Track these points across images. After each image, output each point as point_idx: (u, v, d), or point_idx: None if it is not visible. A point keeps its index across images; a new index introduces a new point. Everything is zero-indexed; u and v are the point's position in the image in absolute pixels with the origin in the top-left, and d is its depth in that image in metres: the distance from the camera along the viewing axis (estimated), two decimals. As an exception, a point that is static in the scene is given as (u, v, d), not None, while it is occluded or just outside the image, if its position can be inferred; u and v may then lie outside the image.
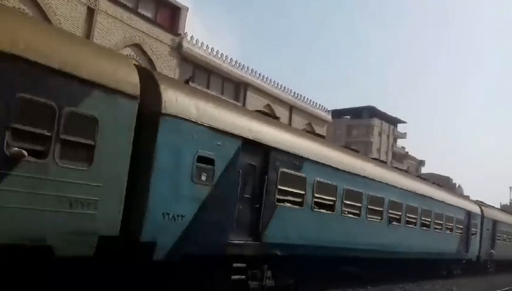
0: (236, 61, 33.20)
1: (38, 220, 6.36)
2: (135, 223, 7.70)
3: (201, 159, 8.81)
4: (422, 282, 18.90)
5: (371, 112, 76.04)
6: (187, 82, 10.07)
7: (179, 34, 28.63)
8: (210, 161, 9.00)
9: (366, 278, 15.65)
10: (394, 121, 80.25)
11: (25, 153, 6.11)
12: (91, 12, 23.16)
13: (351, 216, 13.71)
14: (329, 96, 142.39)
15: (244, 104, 32.38)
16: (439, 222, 20.36)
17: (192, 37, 29.42)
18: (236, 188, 9.73)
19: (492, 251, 27.52)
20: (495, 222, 28.05)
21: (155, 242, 8.05)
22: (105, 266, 7.63)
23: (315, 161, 12.10)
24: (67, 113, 6.59)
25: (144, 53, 26.42)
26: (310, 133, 14.48)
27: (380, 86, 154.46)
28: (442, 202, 20.83)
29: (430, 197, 19.55)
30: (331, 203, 12.75)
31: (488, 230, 26.74)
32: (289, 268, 11.73)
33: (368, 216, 14.58)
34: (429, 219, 19.35)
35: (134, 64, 8.10)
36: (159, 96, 8.07)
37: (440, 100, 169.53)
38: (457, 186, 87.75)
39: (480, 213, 25.76)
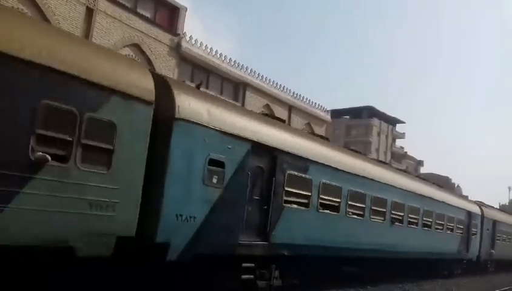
0: (235, 61, 33.40)
1: (61, 222, 6.61)
2: (150, 224, 7.95)
3: (212, 162, 9.06)
4: (421, 282, 19.10)
5: (370, 112, 76.34)
6: (198, 86, 10.31)
7: (178, 34, 28.75)
8: (220, 164, 9.25)
9: (366, 278, 15.86)
10: (392, 121, 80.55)
11: (49, 157, 6.36)
12: (90, 12, 23.30)
13: (355, 216, 13.99)
14: (328, 96, 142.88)
15: (243, 104, 32.46)
16: (440, 222, 20.66)
17: (190, 37, 29.54)
18: (246, 190, 9.98)
19: (492, 251, 27.81)
20: (495, 222, 28.34)
21: (169, 243, 8.30)
22: (122, 266, 7.88)
23: (321, 163, 12.37)
24: (87, 119, 6.85)
25: (143, 53, 26.57)
26: (315, 135, 14.67)
27: (379, 86, 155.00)
28: (443, 202, 21.12)
29: (431, 198, 19.85)
30: (336, 204, 13.03)
31: (487, 230, 27.03)
32: (296, 268, 11.99)
33: (372, 216, 14.87)
34: (431, 220, 19.64)
35: (149, 70, 8.34)
36: (173, 101, 8.33)
37: (439, 100, 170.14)
38: (455, 186, 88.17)
39: (480, 213, 26.05)
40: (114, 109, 7.22)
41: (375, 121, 75.66)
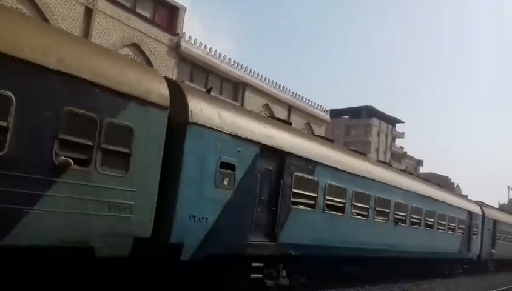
0: (234, 61, 33.48)
1: (82, 223, 6.88)
2: (165, 225, 8.20)
3: (224, 165, 9.32)
4: (421, 281, 19.30)
5: (370, 112, 76.43)
6: (209, 91, 10.57)
7: (177, 34, 28.81)
8: (231, 167, 9.52)
9: (366, 277, 16.09)
10: (392, 121, 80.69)
11: (71, 161, 6.62)
12: (89, 12, 23.32)
13: (360, 217, 14.26)
14: (328, 95, 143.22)
15: (242, 104, 32.54)
16: (442, 222, 20.94)
17: (190, 37, 29.62)
18: (255, 191, 10.25)
19: (493, 250, 28.07)
20: (495, 222, 28.60)
21: (182, 243, 8.56)
22: (138, 265, 8.15)
23: (326, 165, 12.63)
24: (107, 124, 7.12)
25: (142, 52, 26.62)
26: (320, 137, 14.94)
27: (378, 86, 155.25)
28: (445, 203, 21.41)
29: (433, 199, 20.13)
30: (341, 205, 13.30)
31: (488, 229, 27.29)
32: (303, 267, 12.26)
33: (376, 217, 15.14)
34: (433, 220, 19.91)
35: (164, 76, 8.61)
36: (186, 106, 8.59)
37: (438, 100, 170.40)
38: (455, 185, 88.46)
39: (481, 213, 26.32)
40: (131, 114, 7.49)
41: (375, 121, 75.80)
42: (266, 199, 10.67)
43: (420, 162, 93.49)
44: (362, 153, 17.41)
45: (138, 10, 26.88)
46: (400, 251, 16.93)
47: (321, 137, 15.21)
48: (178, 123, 8.43)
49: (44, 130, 6.39)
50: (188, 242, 8.68)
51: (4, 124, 5.93)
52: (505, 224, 30.57)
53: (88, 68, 6.90)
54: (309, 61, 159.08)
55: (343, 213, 13.38)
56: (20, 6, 20.40)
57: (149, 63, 26.33)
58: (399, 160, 79.17)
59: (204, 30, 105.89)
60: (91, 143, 6.94)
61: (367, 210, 14.62)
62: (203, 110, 8.96)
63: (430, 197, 19.76)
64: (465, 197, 29.76)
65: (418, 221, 18.56)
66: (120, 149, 7.36)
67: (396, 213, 16.49)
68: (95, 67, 7.06)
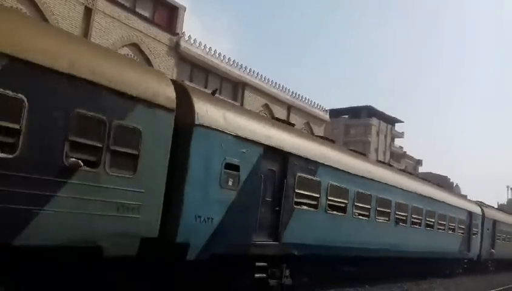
0: (234, 61, 33.57)
1: (91, 224, 7.01)
2: (171, 225, 8.33)
3: (228, 166, 9.46)
4: (421, 281, 19.40)
5: (369, 111, 76.39)
6: (213, 93, 10.70)
7: (177, 34, 28.85)
8: (236, 167, 9.65)
9: (366, 277, 16.22)
10: (391, 121, 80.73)
11: (81, 163, 6.76)
12: (88, 12, 23.33)
13: (361, 217, 14.40)
14: (327, 95, 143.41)
15: (242, 104, 32.58)
16: (442, 222, 21.09)
17: (189, 37, 29.66)
18: (259, 192, 10.38)
19: (493, 250, 28.23)
20: (495, 222, 28.76)
21: (188, 243, 8.69)
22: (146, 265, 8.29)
23: (328, 165, 12.77)
24: (116, 126, 7.25)
25: (142, 52, 26.63)
26: (322, 138, 15.08)
27: (378, 85, 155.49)
28: (445, 203, 21.56)
29: (434, 199, 20.28)
30: (343, 205, 13.44)
31: (488, 229, 27.44)
32: (305, 267, 12.39)
33: (377, 217, 15.28)
34: (433, 220, 20.07)
35: (170, 79, 8.74)
36: (192, 108, 8.73)
37: (437, 100, 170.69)
38: (454, 185, 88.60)
39: (481, 213, 26.48)
40: (139, 116, 7.63)
41: (374, 121, 75.84)
42: (269, 200, 10.80)
43: (419, 162, 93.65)
44: (362, 154, 17.55)
45: (137, 10, 26.92)
46: (400, 251, 17.07)
47: (323, 137, 15.35)
48: (184, 125, 8.56)
49: (55, 132, 6.52)
50: (194, 242, 8.81)
51: (17, 126, 6.07)
52: (505, 224, 30.74)
53: (98, 72, 7.03)
54: (308, 61, 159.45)
55: (345, 213, 13.52)
56: (20, 6, 20.40)
57: (149, 63, 26.33)
58: (398, 160, 79.29)
59: (203, 30, 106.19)
60: (101, 145, 7.08)
61: (368, 210, 14.76)
62: (208, 111, 9.10)
63: (430, 198, 19.91)
64: (464, 197, 29.93)
65: (419, 221, 18.71)
66: (128, 150, 7.50)
67: (397, 213, 16.64)
68: (105, 71, 7.20)
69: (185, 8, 30.09)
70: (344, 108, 76.65)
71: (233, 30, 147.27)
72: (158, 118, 7.98)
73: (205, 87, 29.84)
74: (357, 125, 76.62)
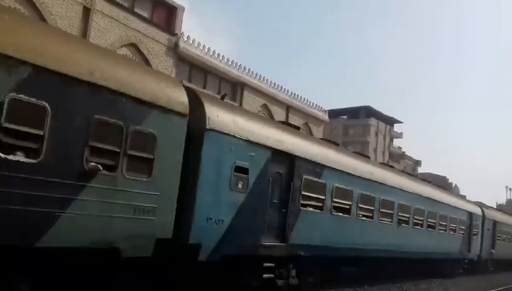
0: (232, 61, 33.71)
1: (109, 226, 7.27)
2: (184, 227, 8.58)
3: (238, 169, 9.72)
4: (419, 281, 19.57)
5: (368, 112, 76.35)
6: (222, 98, 10.96)
7: (176, 34, 28.94)
8: (245, 171, 9.91)
9: (365, 277, 16.43)
10: (390, 121, 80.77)
11: (100, 167, 7.01)
12: (87, 11, 23.40)
13: (365, 219, 14.67)
14: (326, 96, 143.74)
15: (240, 104, 32.69)
16: (443, 223, 21.36)
17: (188, 37, 29.77)
18: (267, 194, 10.64)
19: (493, 250, 28.50)
20: (495, 223, 29.03)
21: (200, 244, 8.95)
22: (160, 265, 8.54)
23: (334, 168, 13.04)
24: (132, 131, 7.51)
25: (140, 52, 26.73)
26: (327, 141, 15.34)
27: (376, 86, 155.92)
28: (446, 204, 21.84)
29: (435, 200, 20.56)
30: (348, 207, 13.70)
31: (488, 230, 27.71)
32: (311, 267, 12.65)
33: (380, 218, 15.55)
34: (435, 221, 20.34)
35: (183, 85, 9.00)
36: (204, 113, 8.99)
37: (436, 100, 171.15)
38: (453, 186, 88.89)
39: (481, 214, 26.76)
40: (154, 122, 7.88)
41: (373, 121, 75.89)
42: (276, 202, 11.05)
43: (418, 163, 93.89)
44: (366, 156, 17.81)
45: (136, 10, 26.97)
46: (403, 251, 17.34)
47: (328, 140, 15.61)
48: (196, 130, 8.81)
49: (76, 138, 6.77)
50: (206, 243, 9.06)
51: (41, 133, 6.32)
52: (505, 225, 31.03)
53: (115, 79, 7.29)
54: (307, 61, 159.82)
55: (349, 215, 13.78)
56: (18, 6, 20.46)
57: (147, 63, 26.36)
58: (397, 160, 79.42)
59: (202, 30, 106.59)
60: (118, 150, 7.33)
61: (372, 211, 15.03)
62: (219, 116, 9.35)
63: (432, 199, 20.19)
64: (463, 197, 30.21)
65: (421, 222, 18.98)
66: (144, 155, 7.75)
67: (399, 214, 16.91)
68: (122, 78, 7.45)
69: (184, 8, 30.21)
70: (343, 109, 76.72)
71: (232, 30, 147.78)
72: (172, 123, 8.24)
73: (204, 88, 29.88)
74: (355, 125, 76.69)
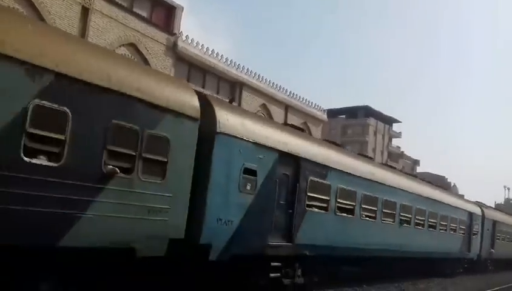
0: (231, 61, 33.80)
1: (126, 226, 7.53)
2: (195, 228, 8.85)
3: (247, 171, 9.99)
4: (418, 281, 19.75)
5: (366, 111, 76.24)
6: (230, 101, 11.22)
7: (175, 34, 29.03)
8: (253, 172, 10.18)
9: (365, 277, 16.64)
10: (389, 121, 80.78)
11: (118, 170, 7.27)
12: (85, 11, 23.45)
13: (368, 219, 14.95)
14: (325, 95, 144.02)
15: (239, 104, 32.78)
16: (444, 223, 21.66)
17: (187, 37, 29.85)
18: (274, 195, 10.91)
19: (492, 250, 28.79)
20: (494, 223, 29.32)
21: (211, 244, 9.22)
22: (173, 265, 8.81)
23: (338, 169, 13.31)
24: (147, 135, 7.77)
25: (139, 52, 26.80)
26: (331, 142, 15.61)
27: (375, 85, 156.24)
28: (447, 204, 22.13)
29: (436, 200, 20.85)
30: (351, 207, 13.99)
31: (488, 230, 28.00)
32: (316, 266, 12.92)
33: (383, 218, 15.83)
34: (435, 221, 20.63)
35: (194, 90, 9.27)
36: (214, 117, 9.25)
37: (435, 100, 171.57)
38: (451, 185, 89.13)
39: (481, 214, 27.05)
40: (168, 126, 8.15)
41: (371, 121, 75.89)
42: (283, 203, 11.31)
43: (416, 162, 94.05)
44: (370, 157, 18.10)
45: (135, 10, 27.04)
46: (405, 251, 17.63)
47: (331, 142, 15.88)
48: (207, 133, 9.07)
49: (95, 142, 7.04)
50: (216, 243, 9.32)
51: (62, 137, 6.58)
52: (504, 224, 31.33)
53: (132, 85, 7.55)
54: (306, 61, 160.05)
55: (353, 215, 14.06)
56: (17, 6, 20.52)
57: (146, 62, 26.41)
58: (396, 160, 79.57)
59: (201, 30, 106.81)
60: (134, 153, 7.59)
61: (375, 212, 15.31)
62: (229, 120, 9.62)
63: (433, 199, 20.49)
64: (462, 197, 30.50)
65: (422, 222, 19.27)
66: (158, 158, 8.02)
67: (401, 214, 17.19)
68: (138, 83, 7.71)
69: (182, 8, 30.26)
70: (342, 108, 76.65)
71: (231, 30, 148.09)
72: (184, 127, 8.50)
73: (203, 87, 29.93)
74: (354, 125, 76.70)
